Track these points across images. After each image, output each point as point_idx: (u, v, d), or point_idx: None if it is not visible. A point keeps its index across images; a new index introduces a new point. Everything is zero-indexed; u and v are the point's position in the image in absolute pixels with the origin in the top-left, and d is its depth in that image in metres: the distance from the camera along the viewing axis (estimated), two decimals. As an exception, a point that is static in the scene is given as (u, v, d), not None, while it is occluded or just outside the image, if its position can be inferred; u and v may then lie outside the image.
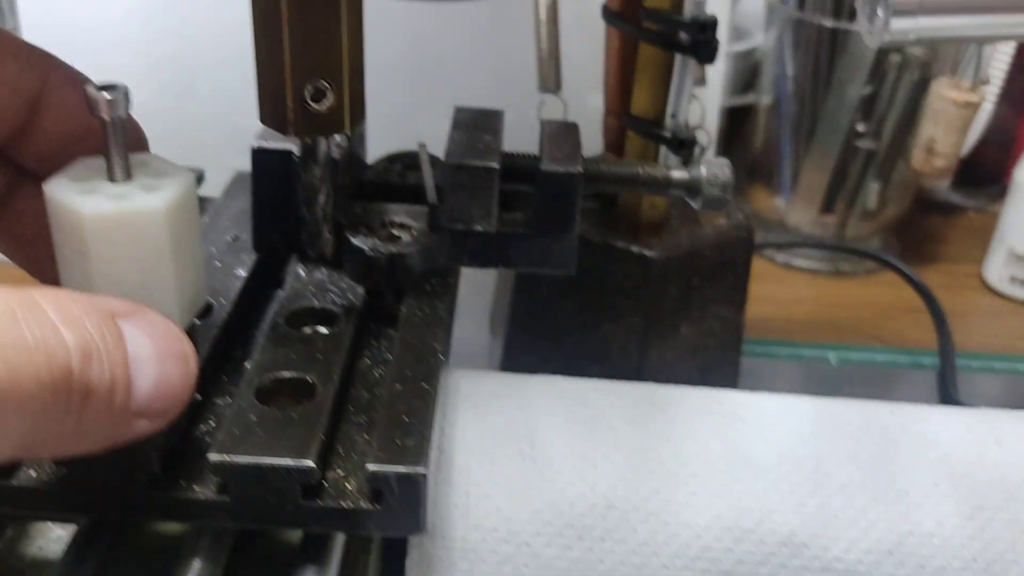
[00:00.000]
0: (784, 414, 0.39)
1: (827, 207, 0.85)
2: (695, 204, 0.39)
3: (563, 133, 0.39)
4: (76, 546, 0.34)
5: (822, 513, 0.37)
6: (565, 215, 0.37)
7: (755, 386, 0.64)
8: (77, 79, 0.32)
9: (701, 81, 0.49)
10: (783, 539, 0.36)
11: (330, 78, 0.30)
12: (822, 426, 0.39)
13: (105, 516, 0.30)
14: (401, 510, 0.29)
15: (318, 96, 0.30)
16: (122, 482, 0.29)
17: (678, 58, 0.46)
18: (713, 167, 0.38)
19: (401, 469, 0.28)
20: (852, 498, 0.37)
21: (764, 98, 0.87)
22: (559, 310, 0.54)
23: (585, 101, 0.61)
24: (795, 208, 0.87)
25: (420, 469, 0.28)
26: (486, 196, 0.37)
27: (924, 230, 0.95)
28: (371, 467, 0.28)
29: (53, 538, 0.40)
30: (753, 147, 0.89)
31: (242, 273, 0.38)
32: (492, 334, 0.63)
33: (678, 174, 0.38)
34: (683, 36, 0.44)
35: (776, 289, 0.84)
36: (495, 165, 0.36)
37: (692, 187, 0.38)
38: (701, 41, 0.43)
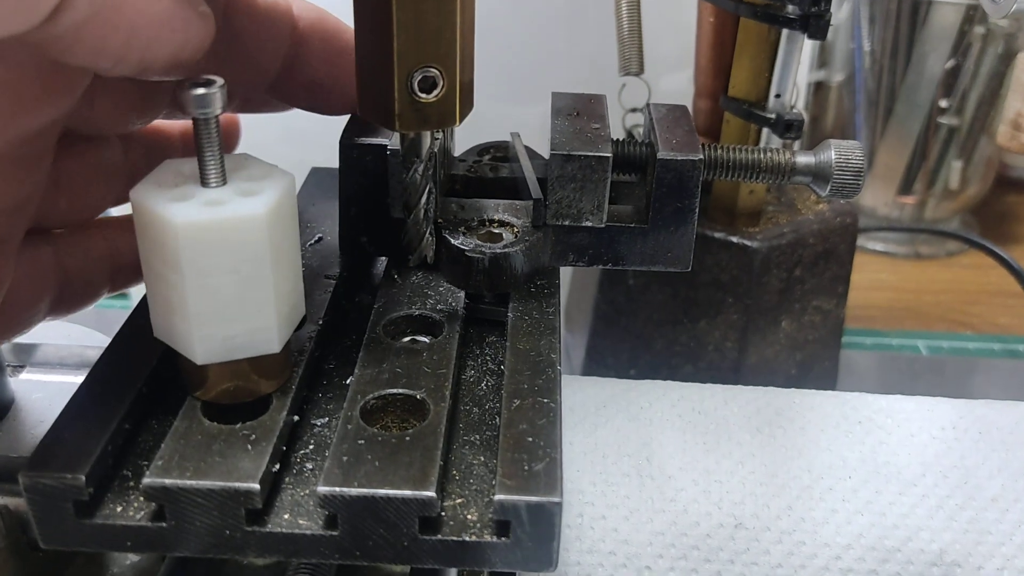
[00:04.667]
0: (925, 419, 0.36)
1: (906, 187, 0.82)
2: (821, 192, 0.35)
3: (674, 117, 0.36)
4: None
5: (974, 529, 0.34)
6: (683, 207, 0.34)
7: (848, 380, 0.61)
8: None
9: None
10: (932, 558, 0.33)
11: (441, 65, 0.27)
12: (968, 432, 0.35)
13: (203, 554, 0.27)
14: (531, 544, 0.26)
15: (427, 85, 0.27)
16: (221, 518, 0.26)
17: (784, 34, 0.42)
18: (844, 150, 0.34)
19: (533, 498, 0.25)
20: (1006, 511, 0.34)
21: (836, 75, 0.83)
22: (648, 305, 0.51)
23: (667, 83, 0.58)
24: (871, 189, 0.83)
25: (555, 498, 0.25)
26: (597, 189, 0.34)
27: (1004, 209, 0.91)
28: (499, 496, 0.25)
29: (126, 565, 0.38)
30: (823, 126, 0.86)
31: (330, 278, 0.35)
32: (569, 331, 0.60)
33: (804, 159, 0.35)
34: (791, 9, 0.41)
35: (854, 275, 0.81)
36: (608, 154, 0.33)
37: (820, 173, 0.35)
38: (813, 14, 0.40)
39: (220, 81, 0.25)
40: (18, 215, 0.29)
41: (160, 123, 0.36)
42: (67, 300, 0.33)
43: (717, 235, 0.47)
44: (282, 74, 0.33)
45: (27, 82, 0.25)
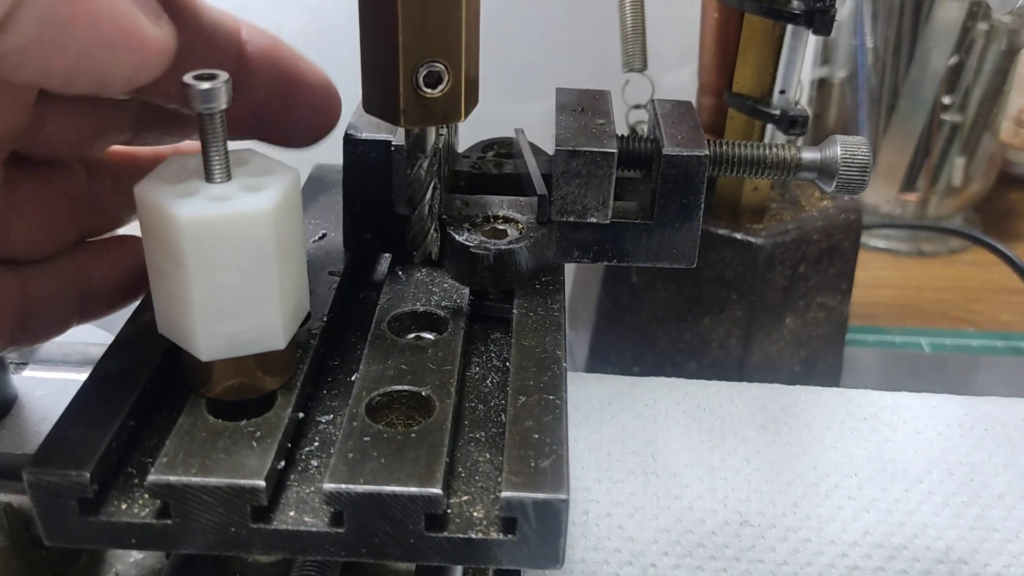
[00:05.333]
0: (931, 416, 0.36)
1: (908, 184, 0.81)
2: (827, 188, 0.35)
3: (678, 113, 0.36)
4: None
5: (980, 526, 0.33)
6: (689, 203, 0.34)
7: (851, 377, 0.60)
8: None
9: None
10: (939, 555, 0.33)
11: (446, 60, 0.27)
12: (973, 429, 0.35)
13: (209, 552, 0.27)
14: (538, 541, 0.26)
15: (433, 80, 0.27)
16: (226, 515, 0.26)
17: (789, 29, 0.42)
18: (849, 146, 0.34)
19: (540, 495, 0.25)
20: (1012, 508, 0.34)
21: (839, 71, 0.83)
22: (652, 302, 0.51)
23: (670, 80, 0.58)
24: (873, 186, 0.83)
25: (562, 495, 0.25)
26: (602, 185, 0.33)
27: (1007, 206, 0.91)
28: (506, 493, 0.25)
29: (130, 563, 0.38)
30: (826, 123, 0.85)
31: (334, 274, 0.35)
32: (572, 329, 0.60)
33: (810, 155, 0.35)
34: (796, 5, 0.41)
35: (856, 272, 0.80)
36: (613, 150, 0.33)
37: (826, 169, 0.35)
38: (817, 10, 0.40)
39: (225, 75, 0.25)
40: None
41: (131, 149, 0.35)
42: (31, 330, 0.32)
43: (721, 232, 0.47)
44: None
45: None
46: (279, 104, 0.32)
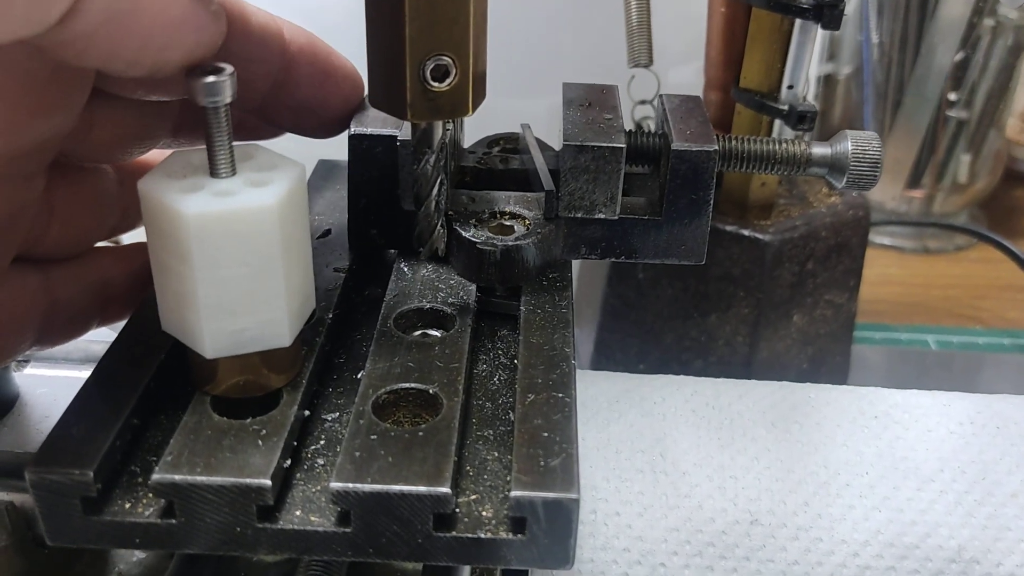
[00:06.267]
0: (942, 414, 0.35)
1: (914, 181, 0.81)
2: (837, 183, 0.35)
3: (687, 108, 0.35)
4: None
5: (993, 525, 0.33)
6: (698, 199, 0.33)
7: (858, 375, 0.60)
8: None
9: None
10: (951, 555, 0.33)
11: (454, 53, 0.26)
12: (985, 427, 0.35)
13: (213, 552, 0.26)
14: (548, 541, 0.26)
15: (440, 74, 0.27)
16: (231, 515, 0.25)
17: (798, 24, 0.42)
18: (860, 141, 0.34)
19: (550, 495, 0.25)
20: (1025, 507, 0.33)
21: (844, 67, 0.82)
22: (658, 299, 0.50)
23: (676, 75, 0.57)
24: (879, 183, 0.82)
25: (572, 494, 0.25)
26: (610, 180, 0.33)
27: (1013, 203, 0.90)
28: (515, 492, 0.25)
29: (133, 562, 0.37)
30: (831, 119, 0.85)
31: (339, 271, 0.34)
32: (577, 326, 0.60)
33: (820, 150, 0.34)
34: (805, -1, 0.40)
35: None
36: (621, 145, 0.33)
37: (836, 164, 0.34)
38: (826, 4, 0.39)
39: (230, 69, 0.24)
40: (4, 236, 0.28)
41: (159, 155, 0.35)
42: (55, 330, 0.32)
43: (728, 228, 0.47)
44: (270, 96, 0.32)
45: (26, 92, 0.25)
46: (317, 98, 0.33)
